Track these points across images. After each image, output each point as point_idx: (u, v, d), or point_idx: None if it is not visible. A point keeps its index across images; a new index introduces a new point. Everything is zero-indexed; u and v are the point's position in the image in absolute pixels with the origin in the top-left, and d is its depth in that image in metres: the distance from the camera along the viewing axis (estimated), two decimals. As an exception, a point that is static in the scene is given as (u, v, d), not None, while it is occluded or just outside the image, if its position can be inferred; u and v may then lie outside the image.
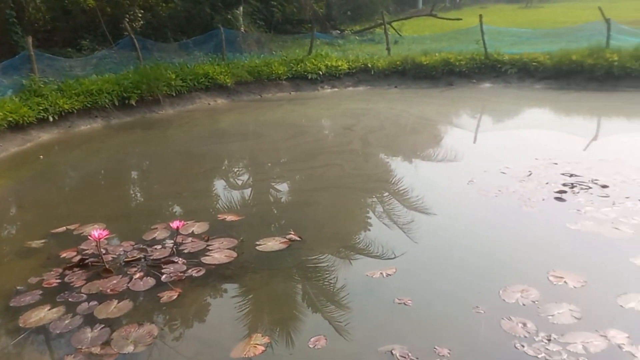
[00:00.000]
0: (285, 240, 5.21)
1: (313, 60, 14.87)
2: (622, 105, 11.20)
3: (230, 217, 5.91)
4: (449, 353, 3.42)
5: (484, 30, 14.62)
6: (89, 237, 5.04)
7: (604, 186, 6.23)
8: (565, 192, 6.14)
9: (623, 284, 4.14)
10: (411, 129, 10.61)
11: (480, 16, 14.83)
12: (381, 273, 4.52)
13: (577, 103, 11.71)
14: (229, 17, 18.15)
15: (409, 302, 4.04)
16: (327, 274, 4.71)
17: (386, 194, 6.80)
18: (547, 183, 6.46)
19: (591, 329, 3.57)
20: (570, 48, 13.43)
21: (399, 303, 4.03)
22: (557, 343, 3.44)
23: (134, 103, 11.93)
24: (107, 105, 11.55)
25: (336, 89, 14.59)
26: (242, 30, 18.10)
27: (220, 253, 4.98)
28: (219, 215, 6.00)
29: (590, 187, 6.22)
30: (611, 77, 12.34)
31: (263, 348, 3.61)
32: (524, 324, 3.65)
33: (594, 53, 12.80)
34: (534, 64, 13.42)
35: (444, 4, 40.00)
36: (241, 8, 18.73)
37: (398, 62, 14.70)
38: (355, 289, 4.37)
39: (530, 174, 6.81)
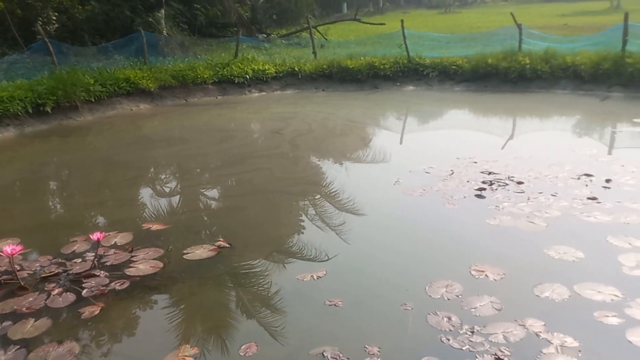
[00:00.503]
0: (214, 247, 5.11)
1: (239, 64, 14.74)
2: (535, 106, 11.90)
3: (155, 226, 5.72)
4: (378, 351, 3.48)
5: (406, 34, 15.10)
6: (1, 253, 4.71)
7: (520, 182, 6.59)
8: (484, 189, 6.43)
9: (538, 274, 4.38)
10: (339, 131, 10.75)
11: (402, 21, 15.32)
12: (312, 276, 4.53)
13: (494, 104, 12.32)
14: (150, 20, 17.64)
15: (340, 303, 4.08)
16: (257, 279, 4.66)
17: (318, 196, 6.85)
18: (467, 181, 6.74)
19: (511, 319, 3.76)
20: (486, 52, 14.14)
21: (330, 305, 4.06)
22: (480, 334, 3.60)
23: (49, 110, 11.31)
24: (20, 113, 10.88)
25: (264, 93, 14.54)
26: (165, 34, 17.65)
27: (145, 264, 4.81)
28: (143, 225, 5.79)
29: (507, 184, 6.56)
30: (524, 79, 13.10)
31: (192, 359, 3.52)
32: (449, 318, 3.79)
33: (508, 56, 13.55)
34: (453, 67, 14.01)
35: (368, 8, 40.91)
36: (163, 11, 18.26)
37: (325, 66, 14.87)
38: (287, 293, 4.36)
39: (452, 173, 7.08)
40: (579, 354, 3.36)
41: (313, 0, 23.82)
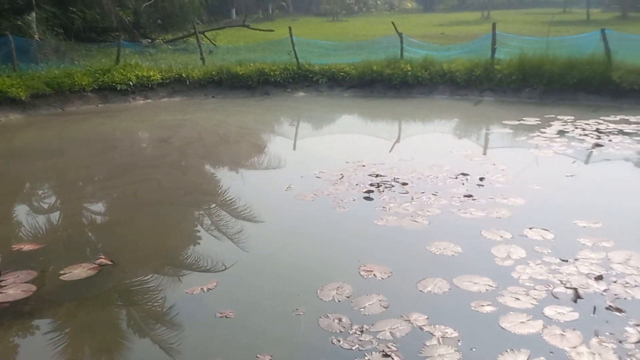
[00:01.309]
0: (94, 265, 4.80)
1: (122, 71, 14.03)
2: (417, 110, 12.59)
3: (28, 247, 5.26)
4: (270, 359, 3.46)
5: (295, 41, 15.30)
6: None
7: (404, 184, 6.91)
8: (372, 191, 6.67)
9: (422, 270, 4.60)
10: (231, 138, 10.61)
11: (290, 28, 15.51)
12: (202, 288, 4.41)
13: (380, 109, 12.84)
14: (20, 23, 16.25)
15: (231, 314, 4.01)
16: (146, 295, 4.46)
17: (213, 205, 6.73)
18: (356, 184, 6.95)
19: (397, 315, 3.91)
20: (371, 59, 14.72)
21: (221, 317, 3.98)
22: (369, 333, 3.70)
23: None
24: None
25: (149, 100, 13.97)
26: (37, 38, 16.35)
27: (15, 288, 4.40)
28: (13, 246, 5.30)
29: (393, 186, 6.85)
30: (406, 85, 13.80)
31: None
32: (340, 320, 3.86)
33: (391, 64, 14.21)
34: (341, 73, 14.42)
35: (257, 15, 40.95)
36: (33, 14, 16.90)
37: (214, 72, 14.62)
38: (178, 308, 4.20)
39: (342, 177, 7.26)
40: (459, 344, 3.57)
41: (200, 5, 23.31)
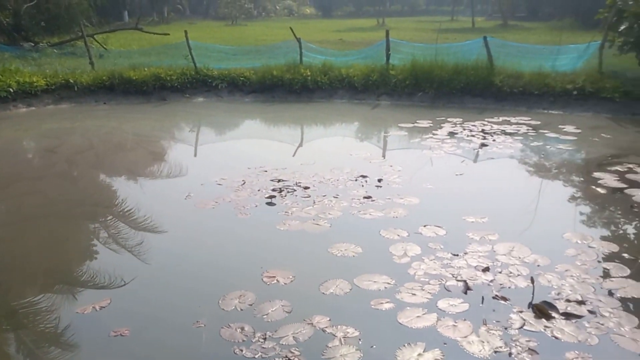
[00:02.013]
0: (-30, 290, 4.36)
1: (0, 77, 12.90)
2: (317, 114, 12.78)
3: None
4: (171, 376, 3.34)
5: (193, 45, 14.95)
6: None
7: (306, 187, 6.98)
8: (274, 196, 6.67)
9: (324, 272, 4.67)
10: (125, 146, 10.13)
11: (186, 32, 15.14)
12: (94, 307, 4.16)
13: (282, 113, 12.89)
14: None
15: (126, 331, 3.81)
16: (33, 318, 4.12)
17: (110, 217, 6.37)
18: (259, 190, 6.91)
19: (300, 319, 3.94)
20: (271, 64, 14.73)
21: (115, 335, 3.77)
22: (272, 339, 3.69)
23: None
24: None
25: (33, 108, 12.97)
26: None
27: None
28: None
29: (295, 190, 6.89)
30: (307, 90, 13.98)
31: None
32: (242, 328, 3.82)
33: (291, 69, 14.32)
34: (241, 78, 14.30)
35: (152, 18, 39.54)
36: None
37: (105, 77, 13.89)
38: (70, 328, 3.92)
39: (244, 183, 7.19)
40: (359, 342, 3.67)
41: (89, 6, 22.03)
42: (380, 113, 12.65)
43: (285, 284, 4.50)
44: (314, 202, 6.43)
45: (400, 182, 7.24)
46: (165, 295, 4.47)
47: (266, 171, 7.72)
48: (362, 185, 7.07)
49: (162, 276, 4.86)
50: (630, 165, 7.75)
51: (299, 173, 7.62)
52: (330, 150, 9.54)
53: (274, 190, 6.90)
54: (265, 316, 3.99)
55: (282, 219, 5.95)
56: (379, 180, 7.26)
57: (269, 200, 6.55)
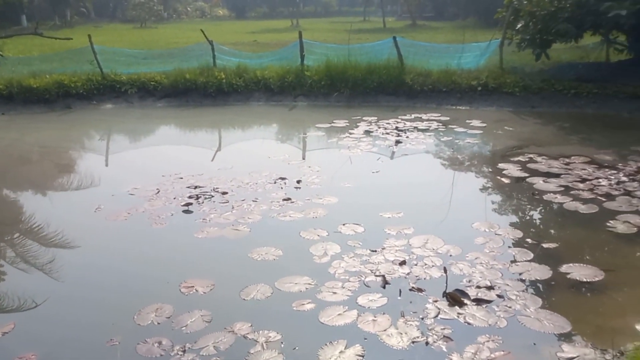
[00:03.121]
0: None
1: None
2: (235, 117, 12.62)
3: None
4: (84, 400, 3.16)
5: (98, 50, 14.28)
6: None
7: (224, 193, 6.87)
8: (191, 204, 6.50)
9: (245, 278, 4.61)
10: (30, 159, 9.49)
11: (89, 36, 14.45)
12: (-4, 334, 3.86)
13: (197, 118, 12.61)
14: None
15: (33, 357, 3.57)
16: None
17: (17, 235, 5.96)
18: (174, 198, 6.71)
19: (220, 328, 3.86)
20: (184, 67, 14.37)
21: (20, 363, 3.53)
22: (192, 351, 3.60)
23: None
24: None
25: None
26: None
27: None
28: None
29: (213, 196, 6.76)
30: (222, 93, 13.76)
31: None
32: (160, 343, 3.69)
33: (205, 72, 14.05)
34: (152, 83, 13.83)
35: (54, 22, 37.39)
36: None
37: (1, 86, 12.95)
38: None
39: (158, 192, 6.95)
40: (282, 346, 3.66)
41: (-20, 10, 20.46)
42: (298, 114, 12.71)
43: (204, 293, 4.40)
44: (233, 207, 6.34)
45: (319, 182, 7.30)
46: (78, 314, 4.23)
47: (182, 178, 7.51)
48: (282, 188, 7.07)
49: (74, 294, 4.60)
50: (531, 155, 8.28)
51: (217, 178, 7.49)
52: (248, 154, 9.46)
53: (190, 197, 6.73)
54: (184, 328, 3.88)
55: (200, 226, 5.81)
56: (298, 182, 7.29)
57: (186, 208, 6.38)
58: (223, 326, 3.87)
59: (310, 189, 7.00)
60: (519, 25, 12.85)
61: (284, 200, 6.57)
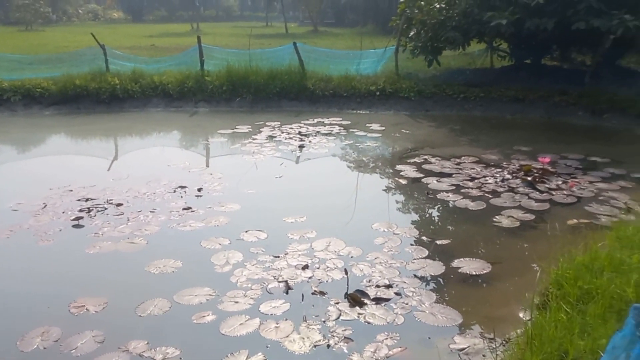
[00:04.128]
0: None
1: None
2: (131, 125, 12.06)
3: None
4: None
5: (-26, 54, 13.08)
6: None
7: (119, 204, 6.53)
8: (82, 217, 6.11)
9: (141, 294, 4.41)
10: None
11: (-35, 39, 13.18)
12: None
13: (90, 126, 11.90)
14: None
15: None
16: None
17: None
18: (63, 212, 6.28)
19: (114, 348, 3.66)
20: (74, 73, 13.52)
21: None
22: (82, 376, 3.37)
23: None
24: None
25: None
26: None
27: None
28: None
29: (106, 208, 6.40)
30: (117, 99, 13.11)
31: None
32: (45, 370, 3.42)
33: (97, 77, 13.31)
34: (38, 90, 12.87)
35: None
36: None
37: None
38: None
39: (45, 206, 6.47)
40: (180, 361, 3.53)
41: None
42: (199, 120, 12.41)
43: (96, 312, 4.14)
44: (128, 220, 6.05)
45: (221, 189, 7.17)
46: (-53, 347, 3.81)
47: (72, 190, 7.05)
48: (181, 197, 6.85)
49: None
50: (426, 157, 8.69)
51: (111, 189, 7.11)
52: (146, 162, 9.09)
53: (81, 210, 6.33)
54: (73, 351, 3.63)
55: (92, 241, 5.48)
56: (199, 190, 7.11)
57: (76, 222, 5.99)
58: (117, 346, 3.67)
59: (211, 197, 6.85)
60: (411, 33, 13.48)
61: (184, 209, 6.38)
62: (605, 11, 10.44)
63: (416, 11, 13.28)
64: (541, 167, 7.62)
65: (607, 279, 3.44)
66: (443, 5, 12.87)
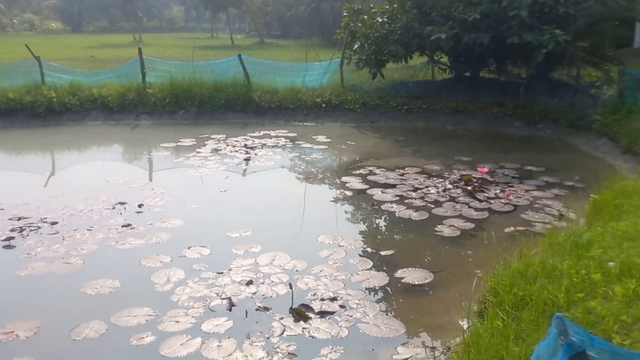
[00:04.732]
0: None
1: None
2: (70, 139, 11.62)
3: None
4: None
5: None
6: None
7: (54, 223, 6.25)
8: (13, 238, 5.81)
9: (76, 316, 4.22)
10: None
11: None
12: None
13: (25, 141, 11.39)
14: None
15: None
16: None
17: None
18: (-7, 232, 5.96)
19: (44, 376, 3.48)
20: (6, 86, 12.92)
21: None
22: (9, 408, 3.18)
23: None
24: None
25: None
26: None
27: None
28: None
29: (40, 227, 6.12)
30: (53, 113, 12.61)
31: None
32: (-32, 404, 3.21)
33: (32, 90, 12.79)
34: (-33, 104, 12.22)
35: None
36: None
37: None
38: None
39: (-28, 227, 6.12)
40: (117, 387, 3.39)
41: None
42: (141, 133, 12.11)
43: (27, 337, 3.93)
44: (64, 238, 5.79)
45: (163, 205, 7.00)
46: None
47: (3, 209, 6.70)
48: (121, 213, 6.64)
49: None
50: (371, 168, 8.80)
51: (46, 207, 6.81)
52: (84, 178, 8.75)
53: (13, 230, 6.02)
54: (-1, 382, 3.43)
55: (24, 262, 5.22)
56: (140, 206, 6.91)
57: (7, 243, 5.69)
58: (47, 374, 3.49)
59: (153, 213, 6.67)
60: (355, 46, 13.68)
61: (123, 226, 6.18)
62: (537, 26, 10.96)
63: (359, 25, 13.51)
64: (480, 176, 7.87)
65: (540, 286, 3.57)
66: (385, 20, 13.15)
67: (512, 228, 6.13)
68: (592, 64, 12.85)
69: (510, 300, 3.51)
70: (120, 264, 5.24)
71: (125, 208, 6.82)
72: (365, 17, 13.59)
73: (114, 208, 6.81)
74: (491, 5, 11.15)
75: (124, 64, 15.59)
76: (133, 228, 6.13)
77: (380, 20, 13.19)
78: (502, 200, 7.10)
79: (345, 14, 14.49)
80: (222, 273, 4.99)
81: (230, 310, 4.36)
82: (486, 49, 11.88)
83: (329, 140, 11.06)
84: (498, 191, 7.48)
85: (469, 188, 7.53)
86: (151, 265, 5.16)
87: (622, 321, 3.04)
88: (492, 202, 7.05)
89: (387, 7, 13.61)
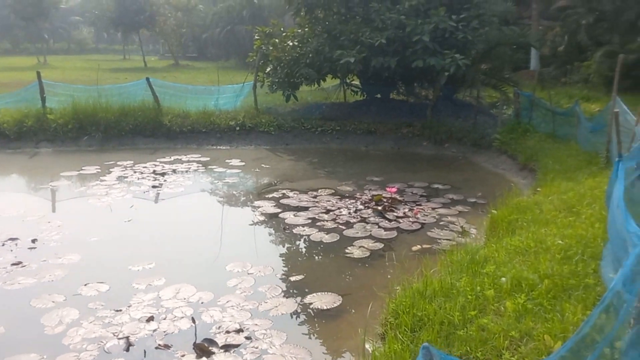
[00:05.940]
0: None
1: None
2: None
3: None
4: None
5: None
6: None
7: None
8: None
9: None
10: None
11: None
12: None
13: None
14: None
15: None
16: None
17: None
18: None
19: None
20: None
21: None
22: None
23: None
24: None
25: None
26: None
27: None
28: None
29: None
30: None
31: None
32: None
33: None
34: None
35: None
36: None
37: None
38: None
39: None
40: None
41: None
42: (40, 162, 11.35)
43: None
44: (-57, 282, 5.24)
45: (59, 239, 6.54)
46: None
47: None
48: (11, 250, 6.13)
49: None
50: (284, 191, 8.75)
51: None
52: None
53: None
54: None
55: None
56: (33, 241, 6.41)
57: None
58: None
59: (48, 248, 6.22)
60: (268, 69, 13.72)
61: (13, 264, 5.69)
62: (439, 51, 11.51)
63: (271, 48, 13.57)
64: (390, 196, 8.04)
65: (437, 305, 3.63)
66: (296, 43, 13.31)
67: (419, 246, 6.28)
68: (492, 86, 13.68)
69: (409, 322, 3.54)
70: (6, 307, 4.81)
71: (16, 244, 6.30)
72: (277, 40, 13.69)
73: (3, 245, 6.28)
74: (396, 31, 11.60)
75: (23, 89, 14.64)
76: (24, 266, 5.67)
77: (291, 43, 13.34)
78: (411, 219, 7.27)
79: (257, 37, 14.52)
80: (120, 310, 4.70)
81: (127, 350, 4.09)
82: (394, 72, 12.32)
83: (243, 163, 10.92)
84: (407, 210, 7.67)
85: (380, 208, 7.67)
86: (42, 306, 4.77)
87: (512, 337, 3.14)
88: (401, 221, 7.20)
89: (298, 30, 13.82)
